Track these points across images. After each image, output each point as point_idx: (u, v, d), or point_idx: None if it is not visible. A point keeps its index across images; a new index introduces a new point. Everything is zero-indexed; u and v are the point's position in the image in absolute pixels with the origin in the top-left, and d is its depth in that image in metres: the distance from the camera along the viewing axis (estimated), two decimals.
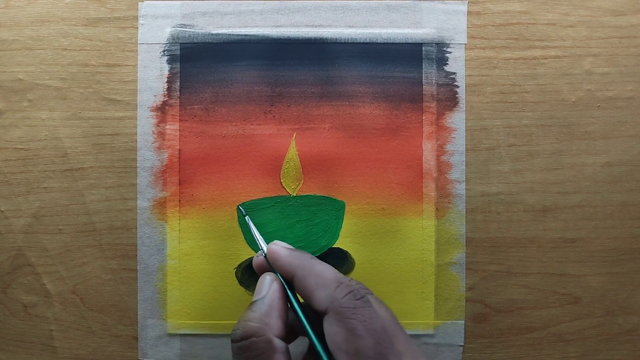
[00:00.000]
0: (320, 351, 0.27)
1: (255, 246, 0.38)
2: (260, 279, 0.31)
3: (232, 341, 0.28)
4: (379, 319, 0.27)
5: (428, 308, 0.38)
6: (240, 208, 0.37)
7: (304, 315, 0.29)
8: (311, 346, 0.31)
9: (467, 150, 0.38)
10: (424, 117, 0.38)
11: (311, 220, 0.38)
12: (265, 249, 0.32)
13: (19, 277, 0.38)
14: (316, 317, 0.28)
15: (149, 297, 0.38)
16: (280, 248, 0.31)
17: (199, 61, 0.38)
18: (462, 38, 0.38)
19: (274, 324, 0.28)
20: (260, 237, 0.34)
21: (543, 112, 0.38)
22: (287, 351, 0.28)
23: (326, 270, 0.29)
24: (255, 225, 0.38)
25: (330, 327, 0.27)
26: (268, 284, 0.30)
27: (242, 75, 0.38)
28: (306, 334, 0.28)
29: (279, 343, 0.28)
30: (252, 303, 0.30)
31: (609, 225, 0.39)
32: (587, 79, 0.38)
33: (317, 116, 0.38)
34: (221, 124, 0.38)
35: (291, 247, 0.32)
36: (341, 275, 0.29)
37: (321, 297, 0.28)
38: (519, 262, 0.39)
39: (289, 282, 0.30)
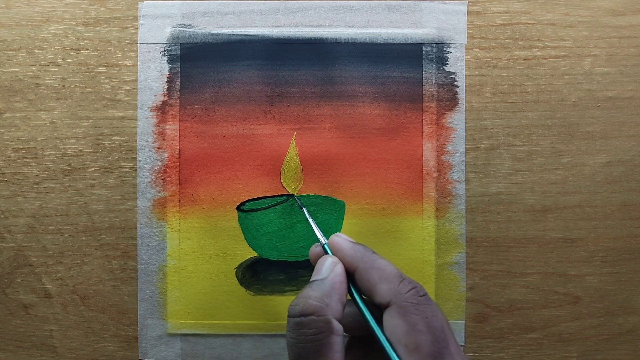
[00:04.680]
0: (383, 341, 0.27)
1: (256, 246, 0.38)
2: (320, 260, 0.30)
3: (290, 316, 0.28)
4: (438, 318, 0.27)
5: None
6: (297, 200, 0.37)
7: (365, 307, 0.29)
8: (353, 341, 0.31)
9: (467, 150, 0.38)
10: (424, 117, 0.38)
11: None
12: (323, 240, 0.32)
13: (19, 277, 0.38)
14: (374, 310, 0.28)
15: (149, 297, 0.38)
16: (343, 240, 0.31)
17: (199, 61, 0.38)
18: (462, 38, 0.38)
19: (334, 306, 0.28)
20: (318, 228, 0.33)
21: (543, 112, 0.38)
22: (343, 335, 0.28)
23: (388, 265, 0.29)
24: (256, 225, 0.38)
25: (391, 320, 0.27)
26: (330, 266, 0.29)
27: (242, 75, 0.38)
28: (367, 325, 0.28)
29: (337, 325, 0.27)
30: (311, 282, 0.29)
31: (609, 225, 0.39)
32: (587, 79, 0.38)
33: (317, 116, 0.38)
34: (221, 124, 0.38)
35: (352, 240, 0.31)
36: (401, 271, 0.29)
37: (384, 290, 0.28)
38: (519, 262, 0.39)
39: (350, 275, 0.30)
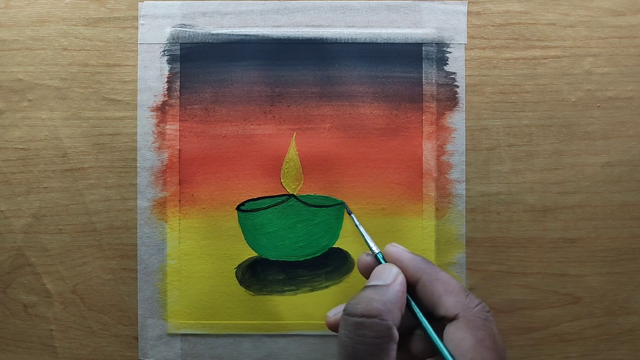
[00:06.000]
0: (445, 354, 0.27)
1: (256, 246, 0.38)
2: (380, 267, 0.29)
3: (350, 314, 0.27)
4: (500, 336, 0.27)
5: None
6: (345, 205, 0.37)
7: (426, 319, 0.28)
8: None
9: (467, 150, 0.38)
10: (424, 117, 0.38)
11: (311, 220, 0.38)
12: (376, 249, 0.31)
13: (19, 277, 0.38)
14: (434, 322, 0.28)
15: (149, 297, 0.38)
16: (402, 251, 0.30)
17: (199, 61, 0.38)
18: (462, 38, 0.38)
19: (396, 314, 0.27)
20: (370, 238, 0.32)
21: (543, 112, 0.38)
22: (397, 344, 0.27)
23: (451, 278, 0.29)
24: (255, 225, 0.38)
25: (457, 333, 0.27)
26: (394, 274, 0.29)
27: (242, 75, 0.38)
28: (428, 337, 0.28)
29: (396, 333, 0.27)
30: (373, 286, 0.28)
31: (609, 225, 0.39)
32: (587, 79, 0.38)
33: (317, 116, 0.38)
34: (221, 124, 0.38)
35: (410, 251, 0.30)
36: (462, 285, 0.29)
37: (450, 303, 0.28)
38: (519, 262, 0.39)
39: (408, 286, 0.29)
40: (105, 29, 0.38)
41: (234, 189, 0.38)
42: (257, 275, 0.38)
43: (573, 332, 0.39)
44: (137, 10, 0.38)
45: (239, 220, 0.38)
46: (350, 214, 0.34)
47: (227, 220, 0.38)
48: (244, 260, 0.38)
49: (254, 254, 0.38)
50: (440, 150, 0.38)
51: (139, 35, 0.38)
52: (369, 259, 0.31)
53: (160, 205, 0.38)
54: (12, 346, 0.39)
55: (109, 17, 0.38)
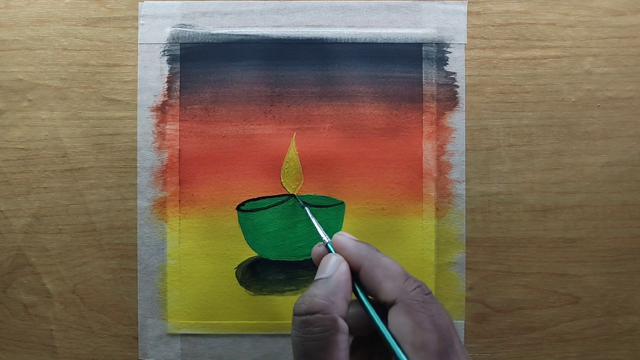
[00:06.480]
0: (389, 338, 0.27)
1: (256, 246, 0.38)
2: (324, 258, 0.30)
3: (296, 314, 0.28)
4: (444, 316, 0.27)
5: None
6: (299, 200, 0.37)
7: (370, 305, 0.29)
8: (357, 342, 0.31)
9: (467, 150, 0.38)
10: (424, 117, 0.38)
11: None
12: (326, 239, 0.32)
13: (19, 277, 0.38)
14: (378, 309, 0.29)
15: (149, 297, 0.38)
16: (346, 239, 0.31)
17: (199, 61, 0.38)
18: (462, 38, 0.38)
19: (340, 304, 0.28)
20: (321, 228, 0.33)
21: (543, 112, 0.38)
22: (348, 334, 0.28)
23: (393, 263, 0.29)
24: (256, 225, 0.38)
25: (397, 318, 0.27)
26: (335, 264, 0.29)
27: (242, 75, 0.38)
28: (372, 323, 0.28)
29: (342, 323, 0.27)
30: (316, 280, 0.29)
31: (609, 225, 0.39)
32: (587, 79, 0.38)
33: (317, 116, 0.38)
34: (221, 124, 0.38)
35: (356, 238, 0.31)
36: (405, 269, 0.29)
37: (389, 289, 0.28)
38: (519, 262, 0.39)
39: (354, 273, 0.30)
40: (105, 29, 0.38)
41: (234, 189, 0.38)
42: (257, 275, 0.38)
43: (572, 332, 0.39)
44: (137, 10, 0.38)
45: (239, 220, 0.38)
46: (303, 207, 0.36)
47: (227, 220, 0.38)
48: (244, 260, 0.38)
49: (254, 254, 0.38)
50: (440, 150, 0.38)
51: (139, 35, 0.38)
52: (321, 249, 0.31)
53: (160, 205, 0.38)
54: (12, 346, 0.39)
55: (109, 17, 0.38)
